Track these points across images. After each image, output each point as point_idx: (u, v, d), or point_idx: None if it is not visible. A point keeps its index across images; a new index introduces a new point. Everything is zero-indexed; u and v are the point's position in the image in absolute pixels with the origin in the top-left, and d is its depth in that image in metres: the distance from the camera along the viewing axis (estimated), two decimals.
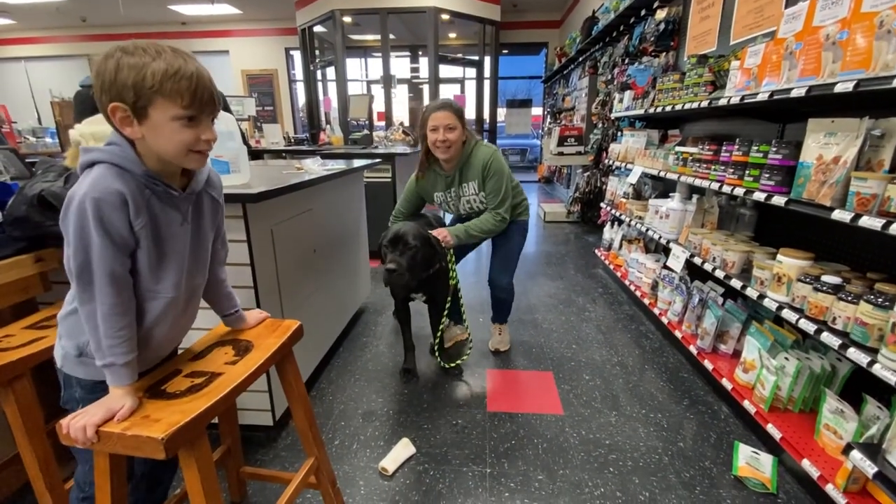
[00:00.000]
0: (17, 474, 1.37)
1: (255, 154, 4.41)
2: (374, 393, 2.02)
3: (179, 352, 1.08)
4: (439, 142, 1.93)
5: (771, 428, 1.58)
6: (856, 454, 1.13)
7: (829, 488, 1.31)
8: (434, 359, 2.28)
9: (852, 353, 1.26)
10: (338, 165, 2.37)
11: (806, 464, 1.41)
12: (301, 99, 8.97)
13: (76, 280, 0.81)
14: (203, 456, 0.86)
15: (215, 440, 1.25)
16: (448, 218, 2.49)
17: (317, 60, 7.11)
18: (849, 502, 1.26)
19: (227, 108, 3.64)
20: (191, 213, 0.93)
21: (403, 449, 1.63)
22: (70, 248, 0.79)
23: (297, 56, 8.55)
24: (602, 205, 3.97)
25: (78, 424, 0.79)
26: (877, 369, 1.17)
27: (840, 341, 1.30)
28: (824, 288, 1.40)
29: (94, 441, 0.79)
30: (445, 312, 2.10)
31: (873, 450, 1.12)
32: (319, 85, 7.42)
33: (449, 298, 2.12)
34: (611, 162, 3.69)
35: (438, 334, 2.19)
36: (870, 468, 1.08)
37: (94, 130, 1.40)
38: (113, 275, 0.81)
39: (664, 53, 3.27)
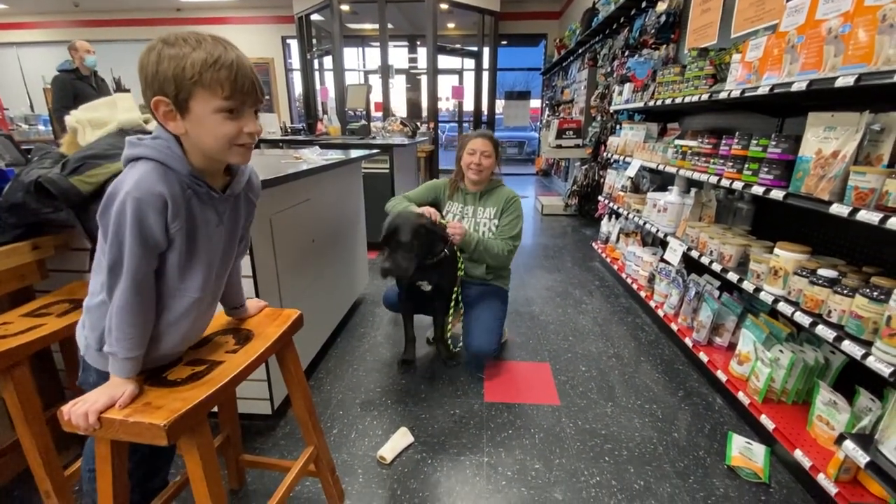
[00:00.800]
0: (17, 460, 1.37)
1: None
2: (372, 383, 2.03)
3: None
4: (474, 164, 2.09)
5: (764, 419, 1.60)
6: (848, 444, 1.15)
7: (821, 478, 1.34)
8: (432, 348, 2.29)
9: (847, 345, 1.27)
10: (336, 155, 2.36)
11: (798, 454, 1.43)
12: (298, 88, 8.89)
13: (108, 273, 0.81)
14: (205, 443, 0.86)
15: (214, 429, 1.25)
16: None
17: (314, 49, 7.04)
18: (839, 492, 1.28)
19: None
20: (227, 214, 0.92)
21: (401, 438, 1.65)
22: (106, 242, 0.79)
23: (293, 45, 8.46)
24: (600, 198, 3.97)
25: (80, 411, 0.79)
26: (871, 361, 1.19)
27: (835, 334, 1.32)
28: (820, 281, 1.41)
29: (95, 427, 0.80)
30: (452, 304, 2.09)
31: (866, 440, 1.14)
32: (316, 74, 7.34)
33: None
34: (609, 155, 3.69)
35: (448, 327, 2.18)
36: (862, 458, 1.10)
37: (90, 117, 1.39)
38: (136, 275, 0.81)
39: (664, 46, 3.26)
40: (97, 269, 0.86)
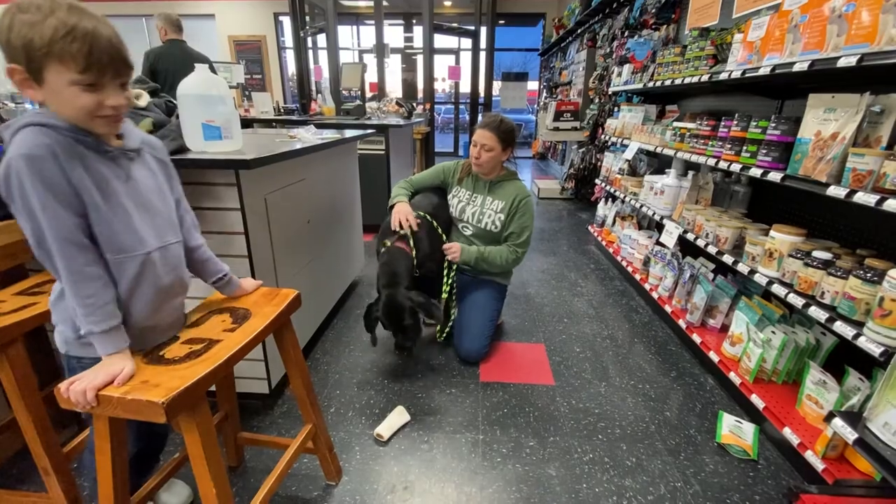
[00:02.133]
0: (14, 438, 1.37)
1: (244, 123, 4.30)
2: (368, 363, 2.04)
3: None
4: (473, 157, 2.04)
5: (755, 398, 1.63)
6: (837, 422, 1.18)
7: (809, 455, 1.37)
8: (428, 329, 2.30)
9: (839, 326, 1.29)
10: (331, 135, 2.33)
11: (787, 432, 1.46)
12: (291, 67, 8.71)
13: (37, 252, 0.79)
14: (204, 420, 0.87)
15: (213, 407, 1.26)
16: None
17: (307, 27, 6.87)
18: (826, 468, 1.32)
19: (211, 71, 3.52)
20: (134, 169, 0.90)
21: (398, 416, 1.67)
22: (20, 217, 0.77)
23: (286, 22, 8.24)
24: (597, 181, 3.96)
25: (78, 388, 0.79)
26: (862, 342, 1.21)
27: (827, 315, 1.34)
28: (815, 263, 1.43)
29: (94, 405, 0.79)
30: (444, 287, 2.08)
31: (854, 418, 1.16)
32: (310, 53, 7.19)
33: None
34: (607, 138, 3.67)
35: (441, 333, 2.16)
36: (850, 435, 1.12)
37: None
38: (67, 239, 0.79)
39: (665, 26, 3.21)
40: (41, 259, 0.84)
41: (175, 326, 1.03)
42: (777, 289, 1.56)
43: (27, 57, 0.72)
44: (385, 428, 1.60)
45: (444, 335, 2.14)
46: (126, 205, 0.86)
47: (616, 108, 3.82)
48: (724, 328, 2.05)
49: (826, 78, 1.63)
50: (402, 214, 1.94)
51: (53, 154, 0.75)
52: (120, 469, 0.91)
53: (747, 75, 1.72)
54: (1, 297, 1.16)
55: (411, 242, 1.89)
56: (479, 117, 6.83)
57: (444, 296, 2.06)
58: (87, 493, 1.27)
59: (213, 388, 1.25)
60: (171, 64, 3.71)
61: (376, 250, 2.02)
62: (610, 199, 3.72)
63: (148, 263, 0.90)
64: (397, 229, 1.92)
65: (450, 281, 2.05)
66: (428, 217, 2.00)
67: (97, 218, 0.82)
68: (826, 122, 1.41)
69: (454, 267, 2.05)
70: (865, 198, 1.21)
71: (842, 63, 1.26)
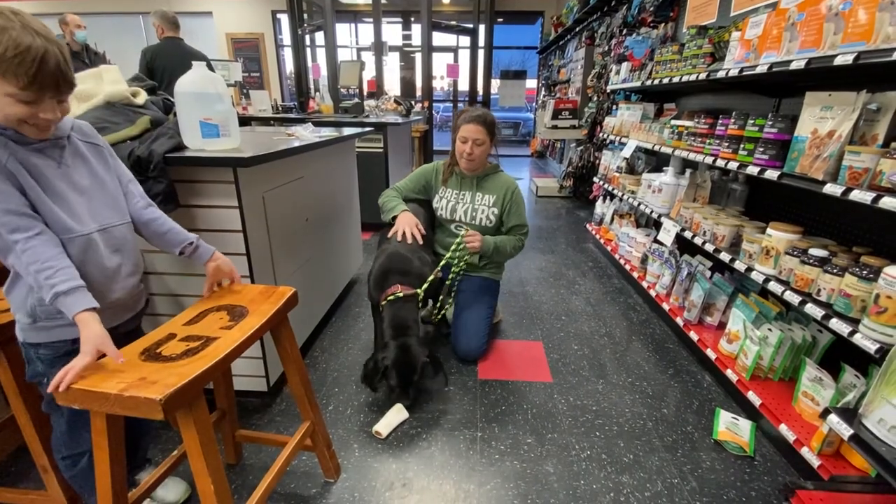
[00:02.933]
0: (13, 436, 1.38)
1: (242, 121, 4.29)
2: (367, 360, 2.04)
3: (170, 319, 1.07)
4: (465, 153, 1.96)
5: (751, 395, 1.64)
6: (833, 418, 1.18)
7: (805, 451, 1.38)
8: (426, 327, 2.31)
9: (834, 323, 1.30)
10: (329, 133, 2.32)
11: (783, 428, 1.47)
12: (288, 65, 8.68)
13: None
14: (201, 417, 0.87)
15: (210, 405, 1.26)
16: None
17: (305, 25, 6.85)
18: (822, 464, 1.33)
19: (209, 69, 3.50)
20: (66, 156, 0.92)
21: (396, 414, 1.67)
22: None
23: (284, 20, 8.22)
24: (595, 179, 3.97)
25: (72, 370, 0.80)
26: (857, 339, 1.21)
27: (823, 312, 1.34)
28: (811, 261, 1.43)
29: (71, 381, 0.79)
30: (442, 297, 2.07)
31: (849, 414, 1.17)
32: (308, 51, 7.16)
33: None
34: (605, 136, 3.67)
35: (437, 313, 2.14)
36: (846, 431, 1.13)
37: (76, 89, 1.34)
38: (12, 211, 0.81)
39: (663, 24, 3.21)
40: None
41: (131, 307, 1.06)
42: (774, 286, 1.57)
43: None
44: (383, 425, 1.60)
45: (439, 316, 2.12)
46: (59, 189, 0.89)
47: (614, 107, 3.82)
48: (722, 326, 2.06)
49: (823, 76, 1.64)
50: (409, 226, 1.90)
51: None
52: (118, 466, 0.91)
53: (745, 73, 1.72)
54: None
55: (421, 292, 1.81)
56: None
57: (448, 282, 2.07)
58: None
59: (210, 385, 1.25)
60: (169, 61, 3.69)
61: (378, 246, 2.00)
62: (608, 198, 3.73)
63: (90, 245, 0.93)
64: (400, 240, 1.88)
65: (457, 271, 2.06)
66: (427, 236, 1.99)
67: (34, 198, 0.85)
68: (823, 119, 1.41)
69: (465, 256, 2.04)
70: (861, 195, 1.22)
71: (838, 61, 1.27)
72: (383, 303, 1.74)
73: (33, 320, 0.90)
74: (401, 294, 1.72)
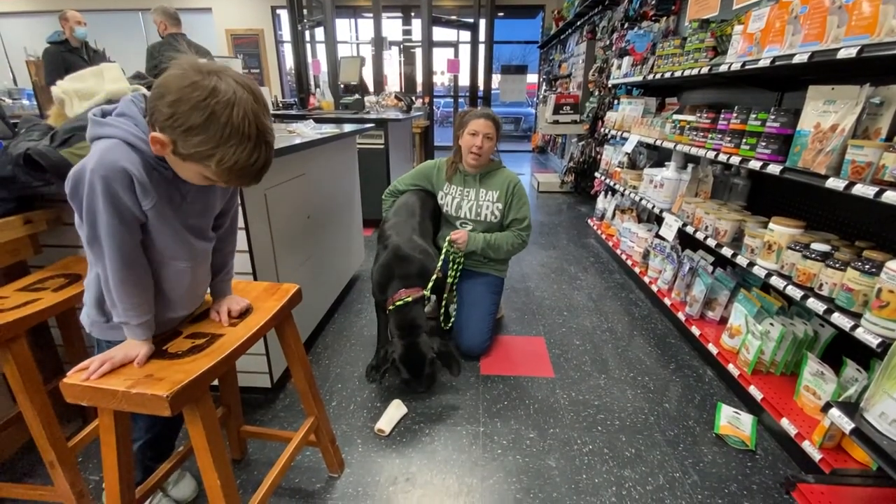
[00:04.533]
0: (20, 432, 1.39)
1: None
2: (369, 357, 2.05)
3: None
4: (475, 147, 1.98)
5: (753, 389, 1.64)
6: (834, 412, 1.19)
7: (806, 445, 1.39)
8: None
9: (836, 317, 1.30)
10: (330, 130, 2.32)
11: (785, 422, 1.48)
12: (288, 61, 8.66)
13: (88, 247, 0.81)
14: (207, 413, 0.87)
15: (215, 401, 1.27)
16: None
17: (305, 21, 6.82)
18: (823, 458, 1.33)
19: None
20: (192, 191, 0.90)
21: (396, 409, 1.68)
22: (79, 219, 0.79)
23: (284, 15, 8.19)
24: (596, 175, 3.96)
25: (97, 359, 0.83)
26: (859, 333, 1.21)
27: (825, 307, 1.34)
28: (813, 255, 1.43)
29: (105, 373, 0.82)
30: (445, 296, 2.08)
31: (851, 408, 1.18)
32: (308, 47, 7.14)
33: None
34: (606, 131, 3.66)
35: (441, 317, 2.13)
36: (847, 425, 1.13)
37: (77, 87, 1.35)
38: (122, 249, 0.81)
39: (665, 18, 3.19)
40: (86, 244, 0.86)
41: (193, 309, 1.07)
42: (776, 281, 1.57)
43: (191, 154, 0.74)
44: (385, 422, 1.61)
45: (450, 325, 2.14)
46: (174, 225, 0.88)
47: (616, 101, 3.80)
48: (723, 320, 2.06)
49: (826, 69, 1.63)
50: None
51: (130, 181, 0.77)
52: (125, 461, 0.92)
53: (747, 67, 1.71)
54: (3, 294, 1.16)
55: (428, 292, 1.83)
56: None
57: (451, 280, 2.07)
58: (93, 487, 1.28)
59: (216, 381, 1.26)
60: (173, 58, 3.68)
61: (378, 239, 2.00)
62: (609, 193, 3.72)
63: (185, 271, 0.94)
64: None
65: (455, 268, 2.06)
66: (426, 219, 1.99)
67: (152, 236, 0.86)
68: (826, 113, 1.41)
69: (460, 254, 2.05)
70: (864, 190, 1.22)
71: (842, 54, 1.26)
72: (390, 307, 1.76)
73: (107, 319, 0.91)
74: (409, 299, 1.74)
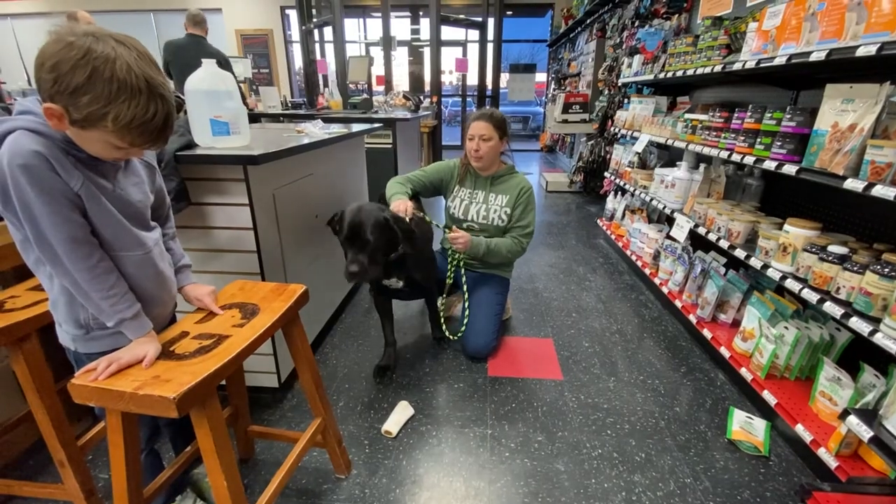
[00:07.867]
0: (31, 431, 1.40)
1: (251, 117, 4.32)
2: (377, 357, 2.04)
3: (180, 317, 1.08)
4: (472, 150, 2.00)
5: (767, 394, 1.61)
6: (853, 419, 1.16)
7: (822, 452, 1.36)
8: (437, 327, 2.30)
9: (854, 322, 1.27)
10: (338, 129, 2.32)
11: (800, 428, 1.45)
12: (297, 61, 8.69)
13: (42, 255, 0.80)
14: (215, 415, 0.87)
15: (223, 401, 1.27)
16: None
17: (313, 20, 6.84)
18: (840, 465, 1.30)
19: (227, 67, 3.54)
20: (120, 177, 0.88)
21: (403, 411, 1.67)
22: (19, 224, 0.78)
23: (292, 15, 8.22)
24: (606, 174, 3.92)
25: (104, 361, 0.83)
26: (878, 338, 1.18)
27: (842, 311, 1.31)
28: (830, 258, 1.40)
29: (112, 373, 0.83)
30: (443, 298, 2.06)
31: (869, 415, 1.15)
32: (317, 46, 7.16)
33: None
34: (616, 130, 3.62)
35: (442, 309, 2.12)
36: (866, 433, 1.10)
37: None
38: (75, 238, 0.79)
39: (676, 15, 3.15)
40: (34, 264, 0.85)
41: (173, 299, 1.07)
42: (791, 284, 1.53)
43: (84, 118, 0.71)
44: (392, 424, 1.61)
45: (459, 335, 2.09)
46: (116, 215, 0.86)
47: (626, 100, 3.76)
48: (736, 323, 2.03)
49: (844, 67, 1.59)
50: (402, 204, 1.81)
51: (48, 163, 0.75)
52: (133, 461, 0.93)
53: (762, 65, 1.68)
54: (14, 293, 1.17)
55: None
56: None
57: (449, 281, 2.06)
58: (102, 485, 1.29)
59: (223, 382, 1.26)
60: (184, 58, 3.77)
61: None
62: (619, 193, 3.68)
63: (144, 260, 0.94)
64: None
65: (453, 266, 2.04)
66: (426, 218, 1.96)
67: (97, 222, 0.84)
68: (844, 112, 1.37)
69: (458, 256, 2.02)
70: (884, 191, 1.18)
71: (861, 52, 1.23)
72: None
73: (86, 331, 0.91)
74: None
